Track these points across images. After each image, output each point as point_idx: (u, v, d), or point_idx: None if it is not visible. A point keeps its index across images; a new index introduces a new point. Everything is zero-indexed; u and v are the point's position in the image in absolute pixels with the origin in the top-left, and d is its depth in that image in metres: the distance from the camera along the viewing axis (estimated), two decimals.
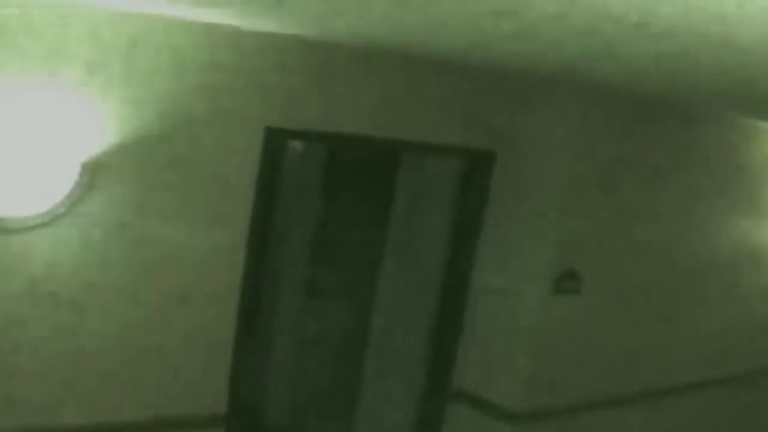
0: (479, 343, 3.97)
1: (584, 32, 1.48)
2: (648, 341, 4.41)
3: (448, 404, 4.09)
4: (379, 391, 4.41)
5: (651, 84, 2.60)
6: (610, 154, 3.82)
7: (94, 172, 2.64)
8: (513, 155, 3.81)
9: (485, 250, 3.93)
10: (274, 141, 3.05)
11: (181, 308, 2.98)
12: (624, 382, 4.35)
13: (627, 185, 3.96)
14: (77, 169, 2.60)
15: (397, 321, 4.32)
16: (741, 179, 4.66)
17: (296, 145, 4.86)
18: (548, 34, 1.60)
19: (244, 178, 3.01)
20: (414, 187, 4.22)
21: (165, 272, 2.91)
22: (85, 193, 2.64)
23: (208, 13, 2.39)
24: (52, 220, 2.60)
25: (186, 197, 2.89)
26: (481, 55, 2.51)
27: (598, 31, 1.44)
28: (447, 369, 4.05)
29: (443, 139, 3.60)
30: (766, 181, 4.86)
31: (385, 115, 3.35)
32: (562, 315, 3.88)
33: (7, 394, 2.69)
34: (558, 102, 3.66)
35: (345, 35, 2.55)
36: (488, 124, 3.73)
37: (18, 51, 2.42)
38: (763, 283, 5.13)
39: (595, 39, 1.55)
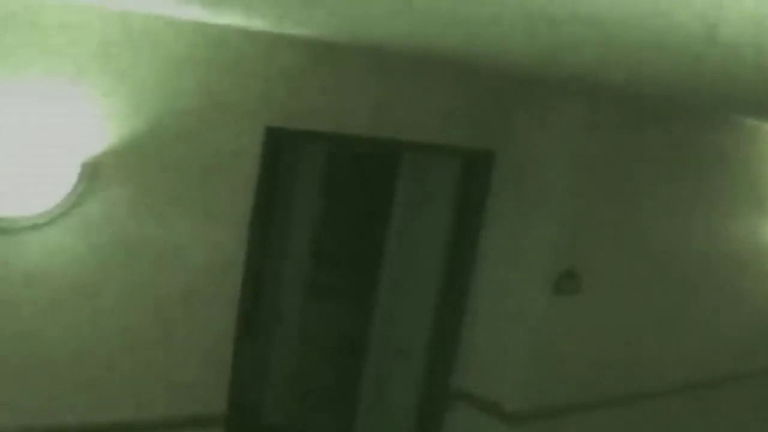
0: (479, 343, 3.97)
1: (585, 33, 1.48)
2: (648, 341, 4.41)
3: (448, 404, 4.09)
4: (379, 391, 4.42)
5: (652, 85, 2.60)
6: (610, 154, 3.82)
7: (94, 172, 2.64)
8: (513, 155, 3.81)
9: (485, 250, 3.94)
10: (274, 141, 3.05)
11: (181, 308, 2.98)
12: (624, 382, 4.35)
13: (627, 185, 3.96)
14: (77, 169, 2.60)
15: (397, 321, 4.32)
16: (742, 179, 4.66)
17: (296, 144, 4.86)
18: (549, 35, 1.60)
19: (244, 178, 3.01)
20: (414, 187, 4.23)
21: (165, 272, 2.91)
22: (85, 193, 2.64)
23: (208, 13, 2.39)
24: (52, 220, 2.60)
25: (186, 197, 2.89)
26: (482, 56, 2.51)
27: (599, 33, 1.44)
28: (447, 369, 4.05)
29: (443, 139, 3.61)
30: (766, 182, 4.86)
31: (385, 115, 3.35)
32: (562, 315, 3.88)
33: (6, 393, 2.69)
34: (558, 102, 3.66)
35: (345, 35, 2.55)
36: (488, 124, 3.73)
37: (19, 51, 2.42)
38: (764, 283, 5.13)
39: (596, 40, 1.56)
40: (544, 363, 3.88)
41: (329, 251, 5.57)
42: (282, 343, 5.09)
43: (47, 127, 2.52)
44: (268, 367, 5.11)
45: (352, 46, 3.02)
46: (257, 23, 2.54)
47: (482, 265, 3.95)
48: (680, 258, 4.44)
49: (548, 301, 3.78)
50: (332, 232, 5.59)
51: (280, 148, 4.71)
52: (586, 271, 3.88)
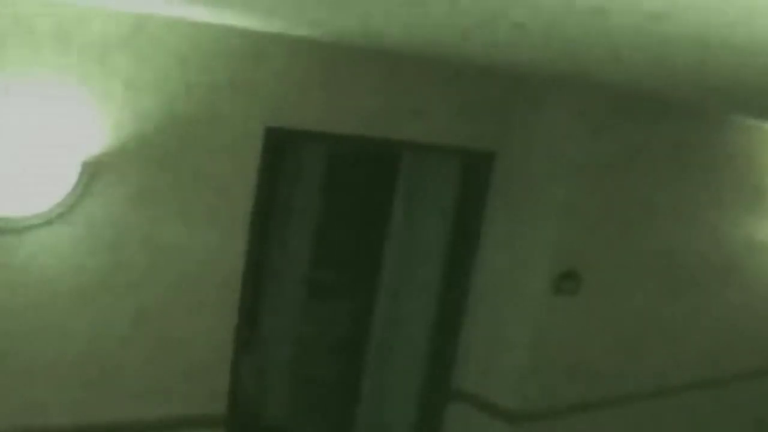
0: (479, 343, 3.97)
1: (587, 32, 1.48)
2: (647, 341, 4.41)
3: (448, 404, 4.09)
4: (379, 391, 4.42)
5: (654, 85, 2.60)
6: (610, 155, 3.82)
7: (94, 172, 2.65)
8: (513, 155, 3.81)
9: (485, 250, 3.94)
10: (274, 141, 3.05)
11: (181, 308, 2.98)
12: (623, 382, 4.35)
13: (627, 186, 3.96)
14: (77, 169, 2.60)
15: (397, 321, 4.32)
16: (742, 179, 4.67)
17: (296, 144, 4.86)
18: (550, 34, 1.60)
19: (244, 178, 3.02)
20: (414, 187, 4.23)
21: (165, 272, 2.91)
22: (85, 193, 2.64)
23: (208, 13, 2.39)
24: (52, 219, 2.60)
25: (186, 197, 2.89)
26: (482, 55, 2.51)
27: (602, 32, 1.44)
28: (447, 369, 4.05)
29: (443, 139, 3.61)
30: (767, 182, 4.86)
31: (385, 115, 3.35)
32: (562, 315, 3.88)
33: (5, 393, 2.69)
34: (559, 102, 3.67)
35: (345, 35, 2.56)
36: (488, 124, 3.73)
37: (19, 51, 2.42)
38: (764, 283, 5.13)
39: (598, 39, 1.56)
40: (543, 363, 3.88)
41: (329, 251, 5.57)
42: (282, 342, 5.09)
43: (47, 127, 2.52)
44: (268, 368, 5.11)
45: (351, 46, 3.02)
46: (257, 24, 2.54)
47: (482, 265, 3.95)
48: (681, 258, 4.44)
49: (548, 302, 3.78)
50: (332, 232, 5.60)
51: (280, 148, 4.71)
52: (586, 272, 3.89)
